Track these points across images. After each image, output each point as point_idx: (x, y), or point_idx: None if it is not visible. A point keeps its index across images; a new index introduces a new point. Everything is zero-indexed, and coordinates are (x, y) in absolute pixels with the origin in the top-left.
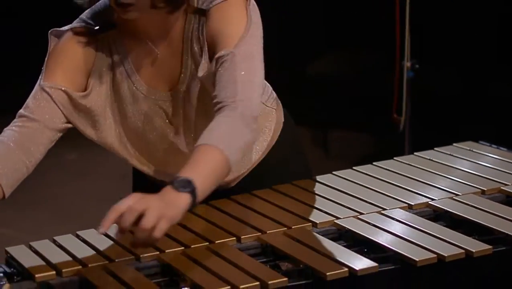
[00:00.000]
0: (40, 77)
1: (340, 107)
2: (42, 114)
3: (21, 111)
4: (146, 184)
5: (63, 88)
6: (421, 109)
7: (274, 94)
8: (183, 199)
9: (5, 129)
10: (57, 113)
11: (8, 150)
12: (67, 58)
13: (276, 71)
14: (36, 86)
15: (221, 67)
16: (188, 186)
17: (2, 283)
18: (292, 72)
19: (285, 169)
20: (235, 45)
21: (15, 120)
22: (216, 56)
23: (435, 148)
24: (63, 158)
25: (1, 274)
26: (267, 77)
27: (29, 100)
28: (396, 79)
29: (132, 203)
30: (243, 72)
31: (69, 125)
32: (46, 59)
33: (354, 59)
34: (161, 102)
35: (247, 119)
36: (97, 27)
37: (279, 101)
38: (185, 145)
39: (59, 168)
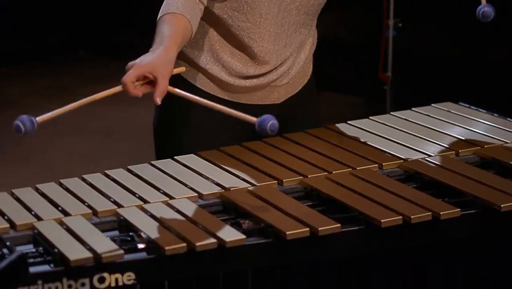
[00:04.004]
0: None
1: (330, 67)
2: None
3: None
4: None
5: None
6: (403, 69)
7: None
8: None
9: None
10: None
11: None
12: None
13: None
14: None
15: None
16: None
17: None
18: None
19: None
20: None
21: None
22: None
23: (413, 108)
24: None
25: None
26: None
27: None
28: (383, 38)
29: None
30: None
31: None
32: None
33: (342, 19)
34: None
35: None
36: None
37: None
38: None
39: (45, 124)
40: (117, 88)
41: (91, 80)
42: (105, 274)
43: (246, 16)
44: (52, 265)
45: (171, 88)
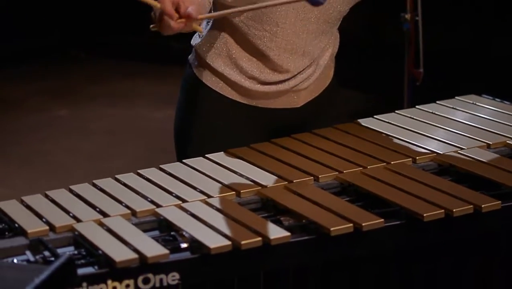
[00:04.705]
0: None
1: (355, 64)
2: None
3: None
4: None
5: None
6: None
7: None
8: None
9: None
10: None
11: None
12: None
13: None
14: None
15: None
16: None
17: None
18: None
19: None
20: None
21: None
22: None
23: (437, 102)
24: (53, 114)
25: None
26: None
27: None
28: (411, 33)
29: None
30: None
31: None
32: None
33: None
34: None
35: None
36: None
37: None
38: None
39: (49, 124)
40: (155, 2)
41: (95, 80)
42: (150, 275)
43: (262, 25)
44: (96, 266)
45: (202, 16)
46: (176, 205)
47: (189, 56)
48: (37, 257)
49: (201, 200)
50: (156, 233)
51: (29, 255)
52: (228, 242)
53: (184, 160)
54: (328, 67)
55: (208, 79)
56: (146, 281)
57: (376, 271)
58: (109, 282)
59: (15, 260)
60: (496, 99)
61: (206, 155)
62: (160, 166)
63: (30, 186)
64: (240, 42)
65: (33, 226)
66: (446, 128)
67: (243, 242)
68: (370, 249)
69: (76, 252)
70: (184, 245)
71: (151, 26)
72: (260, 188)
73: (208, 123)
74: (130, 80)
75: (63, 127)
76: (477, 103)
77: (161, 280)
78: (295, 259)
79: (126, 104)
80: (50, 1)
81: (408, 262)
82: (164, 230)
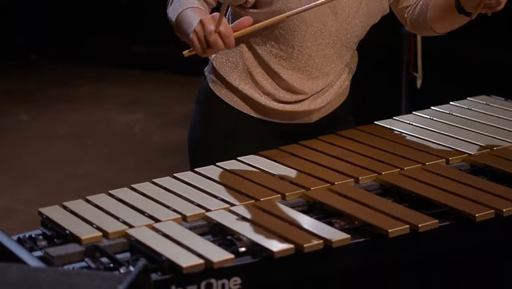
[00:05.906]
0: None
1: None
2: None
3: None
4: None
5: None
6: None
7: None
8: None
9: None
10: None
11: None
12: None
13: None
14: None
15: None
16: None
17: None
18: None
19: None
20: None
21: None
22: None
23: (451, 102)
24: (14, 118)
25: (40, 237)
26: None
27: None
28: (410, 38)
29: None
30: None
31: None
32: None
33: None
34: None
35: None
36: None
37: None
38: None
39: (11, 129)
40: None
41: (55, 83)
42: (212, 280)
43: (279, 45)
44: (159, 273)
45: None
46: (225, 209)
47: (205, 69)
48: (96, 263)
49: (249, 204)
50: (209, 237)
51: (89, 262)
52: (290, 246)
53: (217, 163)
54: (345, 87)
55: (223, 93)
56: (208, 286)
57: (427, 272)
58: (173, 288)
59: (75, 267)
60: (509, 100)
61: (238, 158)
62: (195, 169)
63: (7, 190)
64: (257, 58)
65: (86, 233)
66: (468, 128)
67: (305, 245)
68: (424, 250)
69: (134, 258)
70: (242, 249)
71: (186, 51)
72: (304, 190)
73: (222, 136)
74: (92, 83)
75: (25, 132)
76: (491, 104)
77: (223, 285)
78: (354, 261)
79: (88, 107)
80: (8, 4)
81: (455, 262)
82: (217, 234)
